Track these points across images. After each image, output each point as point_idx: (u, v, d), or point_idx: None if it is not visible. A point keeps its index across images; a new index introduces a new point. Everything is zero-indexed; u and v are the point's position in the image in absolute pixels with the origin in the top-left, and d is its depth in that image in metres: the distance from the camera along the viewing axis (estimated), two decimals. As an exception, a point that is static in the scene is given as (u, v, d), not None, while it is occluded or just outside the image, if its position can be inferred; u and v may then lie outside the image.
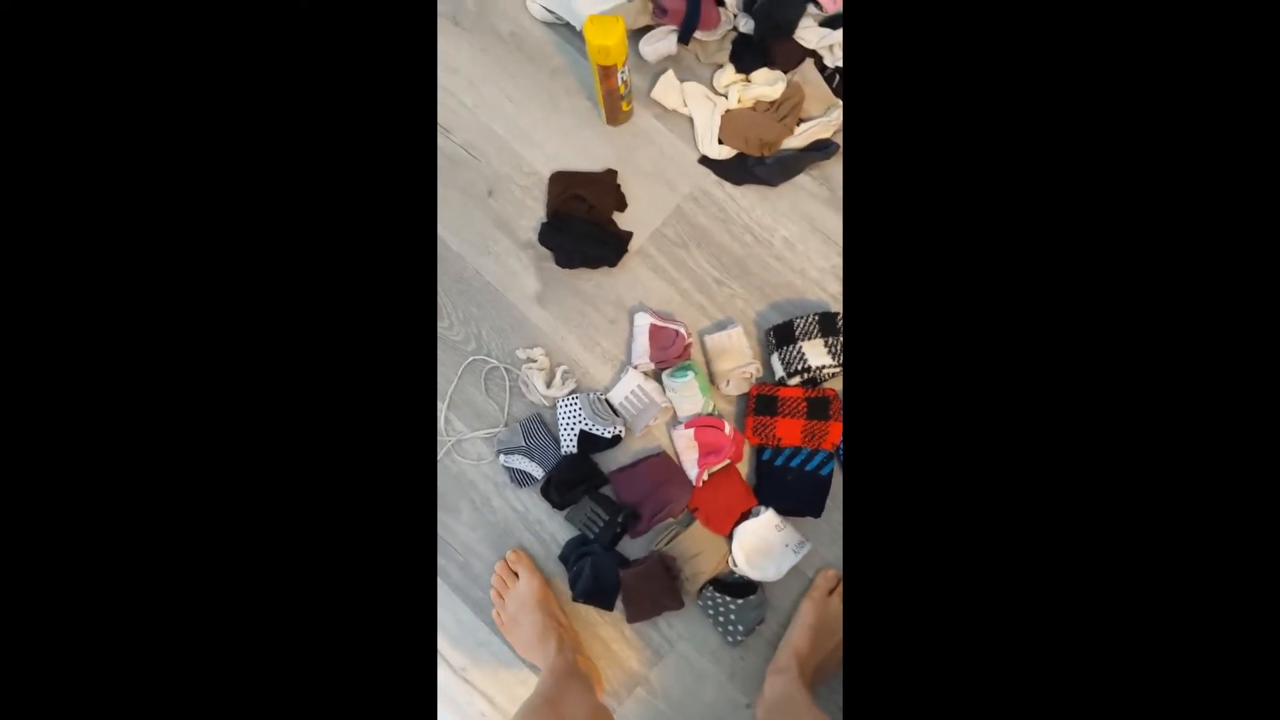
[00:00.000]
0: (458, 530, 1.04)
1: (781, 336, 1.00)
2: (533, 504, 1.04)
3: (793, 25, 1.07)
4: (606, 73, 0.96)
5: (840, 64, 1.08)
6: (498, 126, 1.12)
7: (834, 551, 0.99)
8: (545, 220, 1.08)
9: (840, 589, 0.97)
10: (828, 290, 1.06)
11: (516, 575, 1.00)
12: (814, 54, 1.09)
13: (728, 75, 1.09)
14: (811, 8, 1.09)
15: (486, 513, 1.04)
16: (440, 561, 1.03)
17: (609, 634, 1.00)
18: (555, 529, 1.03)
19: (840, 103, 1.07)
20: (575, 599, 0.98)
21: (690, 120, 1.10)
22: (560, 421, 1.02)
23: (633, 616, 0.98)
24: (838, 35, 1.07)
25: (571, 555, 1.00)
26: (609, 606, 0.98)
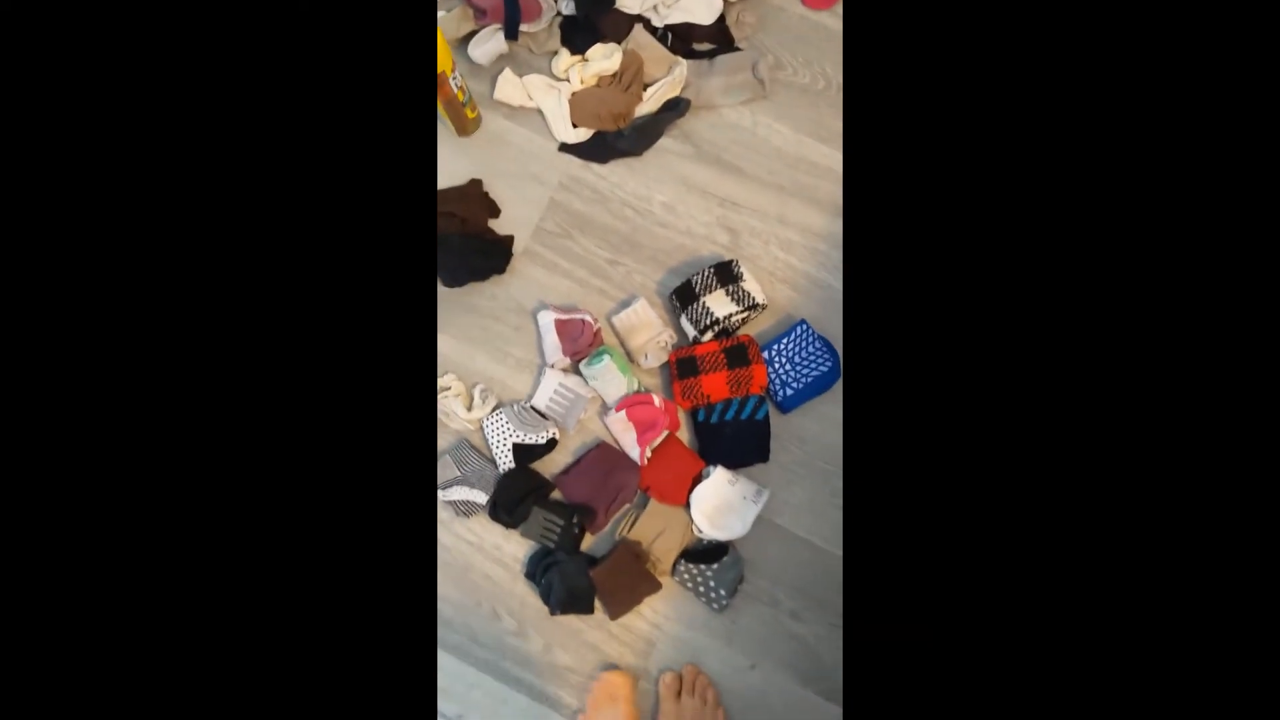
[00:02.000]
0: (417, 580, 0.99)
1: (684, 297, 1.00)
2: (485, 531, 1.00)
3: (613, -4, 1.07)
4: (439, 83, 0.94)
5: (670, 21, 1.08)
6: (349, 166, 1.08)
7: (790, 493, 0.99)
8: (423, 247, 1.05)
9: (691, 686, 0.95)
10: (718, 242, 1.06)
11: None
12: (641, 18, 1.09)
13: (564, 59, 1.08)
14: (627, -26, 1.10)
15: (441, 553, 1.00)
16: (407, 617, 0.99)
17: (596, 636, 0.97)
18: (515, 549, 1.00)
19: (682, 60, 1.08)
20: (553, 613, 0.95)
21: (540, 112, 1.08)
22: (490, 440, 0.99)
23: (615, 613, 0.96)
24: (660, -5, 1.07)
25: (537, 570, 0.97)
26: (589, 610, 0.96)
